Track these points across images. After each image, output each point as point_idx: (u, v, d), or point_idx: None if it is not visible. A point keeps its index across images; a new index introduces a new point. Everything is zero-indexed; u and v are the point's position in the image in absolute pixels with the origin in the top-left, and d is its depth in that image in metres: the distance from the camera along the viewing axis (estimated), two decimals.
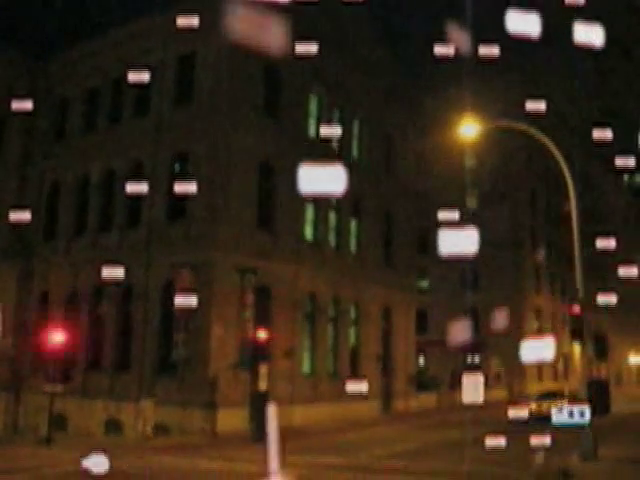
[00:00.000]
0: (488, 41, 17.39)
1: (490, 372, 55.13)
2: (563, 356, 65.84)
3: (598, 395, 18.44)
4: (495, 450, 19.35)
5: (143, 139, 30.45)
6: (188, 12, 24.98)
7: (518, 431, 22.01)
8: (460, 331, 39.64)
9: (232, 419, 25.61)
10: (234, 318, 26.83)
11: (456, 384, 44.08)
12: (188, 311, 25.87)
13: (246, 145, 28.72)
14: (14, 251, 33.95)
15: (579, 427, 17.60)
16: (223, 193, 27.55)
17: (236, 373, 26.23)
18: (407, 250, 41.49)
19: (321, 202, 32.67)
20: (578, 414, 16.97)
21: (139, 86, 30.60)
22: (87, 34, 34.33)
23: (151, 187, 28.59)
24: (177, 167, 29.32)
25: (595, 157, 73.88)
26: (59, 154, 34.61)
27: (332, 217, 34.33)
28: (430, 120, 55.02)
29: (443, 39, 18.85)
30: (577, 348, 39.84)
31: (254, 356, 25.27)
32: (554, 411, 17.47)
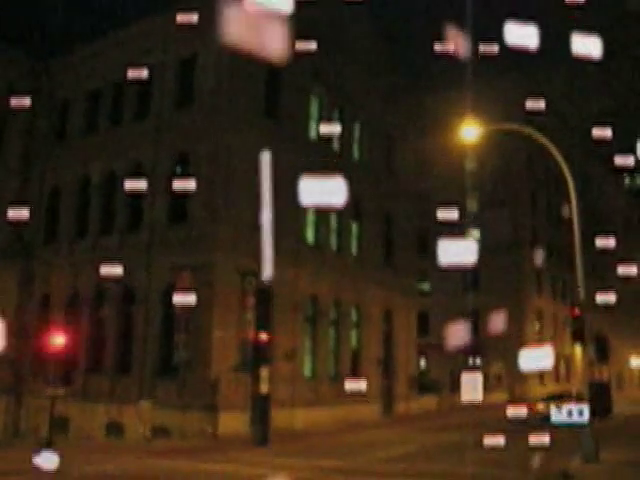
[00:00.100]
0: (488, 40, 17.41)
1: (491, 374, 55.09)
2: (564, 358, 65.78)
3: (599, 397, 18.43)
4: (496, 452, 19.33)
5: (144, 140, 30.46)
6: (188, 14, 25.01)
7: (518, 431, 22.01)
8: (458, 334, 39.61)
9: (233, 422, 25.58)
10: (235, 321, 26.81)
11: (457, 386, 44.09)
12: (188, 311, 25.86)
13: (247, 146, 28.70)
14: (15, 253, 33.95)
15: (579, 427, 17.58)
16: (224, 194, 27.54)
17: (237, 376, 26.21)
18: (408, 252, 41.47)
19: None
20: (577, 413, 16.96)
21: (140, 87, 30.67)
22: (88, 35, 34.39)
23: (152, 188, 28.62)
24: (178, 168, 29.31)
25: (596, 157, 73.86)
26: (60, 155, 34.62)
27: (333, 219, 34.31)
28: (431, 121, 55.05)
29: (444, 39, 18.86)
30: (578, 350, 39.80)
31: (255, 358, 25.27)
32: (553, 411, 17.49)
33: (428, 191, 58.14)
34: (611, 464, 17.26)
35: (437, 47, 18.70)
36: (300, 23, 22.96)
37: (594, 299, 48.04)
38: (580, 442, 17.72)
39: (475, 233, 60.01)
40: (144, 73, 27.82)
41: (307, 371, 31.42)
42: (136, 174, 29.53)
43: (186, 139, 28.87)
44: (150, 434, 25.35)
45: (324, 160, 33.38)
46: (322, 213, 33.21)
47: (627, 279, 61.43)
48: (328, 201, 6.44)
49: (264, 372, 23.99)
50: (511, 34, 9.74)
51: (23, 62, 36.12)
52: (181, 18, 24.63)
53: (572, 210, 20.02)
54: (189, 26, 24.46)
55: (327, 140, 34.35)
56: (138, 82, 29.75)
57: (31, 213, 31.20)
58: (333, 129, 33.65)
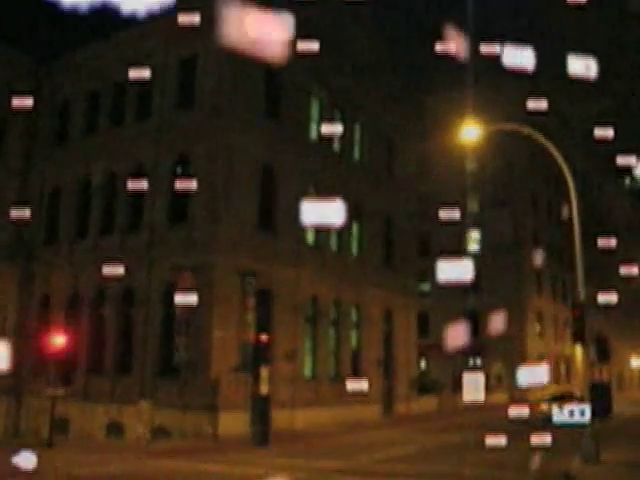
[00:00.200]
0: (489, 40, 17.39)
1: (491, 375, 55.10)
2: (565, 359, 65.79)
3: (600, 398, 18.44)
4: (497, 452, 19.33)
5: (144, 141, 30.47)
6: (189, 14, 24.99)
7: (520, 431, 21.99)
8: (458, 335, 39.65)
9: (233, 422, 25.58)
10: (235, 321, 26.81)
11: (457, 387, 44.11)
12: (189, 311, 25.88)
13: (247, 148, 28.73)
14: (15, 253, 33.96)
15: (580, 427, 17.58)
16: (224, 196, 27.55)
17: (237, 376, 26.21)
18: (408, 253, 41.47)
19: None
20: (579, 413, 17.00)
21: (140, 88, 30.68)
22: (89, 36, 34.38)
23: (152, 189, 28.64)
24: (178, 169, 29.32)
25: (596, 158, 73.85)
26: (60, 156, 34.65)
27: None
28: (431, 122, 55.09)
29: (444, 40, 18.86)
30: (579, 351, 39.74)
31: (255, 359, 25.26)
32: (555, 411, 17.51)
33: (428, 192, 58.17)
34: (612, 465, 17.27)
35: (438, 47, 18.69)
36: (301, 25, 23.00)
37: (595, 300, 48.05)
38: (580, 443, 17.73)
39: (475, 234, 60.04)
40: (145, 73, 27.80)
41: (307, 372, 31.42)
42: (137, 174, 29.55)
43: (186, 140, 28.88)
44: (150, 434, 25.36)
45: (324, 161, 33.45)
46: None
47: (627, 280, 61.47)
48: (327, 222, 6.64)
49: (264, 372, 24.00)
50: (508, 57, 9.84)
51: (24, 62, 36.15)
52: (182, 19, 24.62)
53: (572, 210, 20.02)
54: (190, 27, 24.43)
55: (328, 141, 34.36)
56: (139, 82, 29.75)
57: (32, 213, 31.27)
58: (335, 129, 33.66)
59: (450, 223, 53.95)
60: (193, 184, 26.50)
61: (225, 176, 27.70)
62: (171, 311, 27.10)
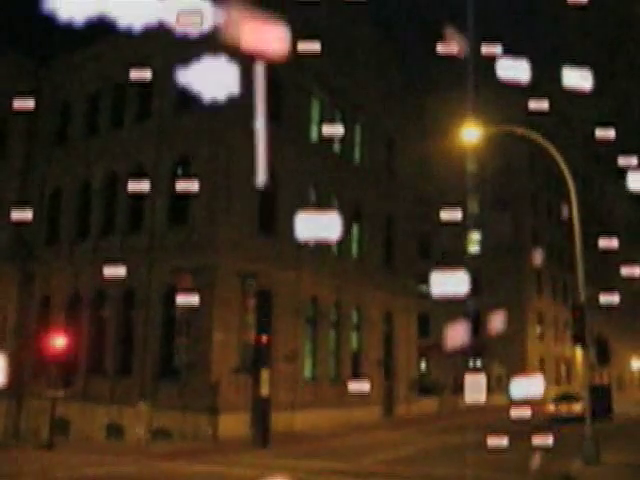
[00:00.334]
0: (490, 40, 17.43)
1: (492, 376, 55.05)
2: (565, 361, 65.77)
3: (600, 400, 18.44)
4: (497, 454, 19.32)
5: (145, 143, 30.47)
6: (190, 16, 24.98)
7: (521, 432, 22.00)
8: (457, 334, 39.61)
9: (234, 424, 25.57)
10: (235, 322, 26.79)
11: (458, 388, 44.11)
12: (189, 312, 25.87)
13: (248, 150, 28.70)
14: (16, 254, 33.95)
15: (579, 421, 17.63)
16: (225, 198, 27.55)
17: (237, 378, 26.20)
18: (408, 254, 41.46)
19: (323, 207, 32.62)
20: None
21: (141, 89, 30.68)
22: (90, 37, 34.36)
23: (153, 191, 28.63)
24: (179, 171, 29.31)
25: (597, 159, 73.82)
26: (61, 157, 34.65)
27: None
28: (431, 123, 55.10)
29: (444, 41, 18.90)
30: (579, 352, 39.80)
31: (255, 360, 25.27)
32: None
33: (429, 193, 58.19)
34: (612, 466, 17.25)
35: (438, 48, 18.72)
36: (302, 27, 23.03)
37: (596, 301, 48.04)
38: (581, 444, 17.72)
39: (476, 235, 60.02)
40: (145, 75, 27.82)
41: (307, 373, 31.41)
42: (137, 175, 29.54)
43: (187, 141, 28.87)
44: (150, 436, 25.35)
45: (324, 162, 33.45)
46: None
47: (628, 282, 61.41)
48: (323, 236, 6.65)
49: (264, 374, 23.99)
50: (503, 69, 9.85)
51: (24, 64, 36.16)
52: (182, 21, 24.62)
53: (572, 211, 20.00)
54: (190, 28, 24.40)
55: (328, 142, 34.35)
56: (139, 83, 29.75)
57: (32, 214, 31.26)
58: (336, 130, 33.65)
59: (450, 224, 53.96)
60: (193, 185, 26.49)
61: (225, 178, 27.69)
62: (171, 312, 27.10)
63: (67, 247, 33.01)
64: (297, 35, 20.69)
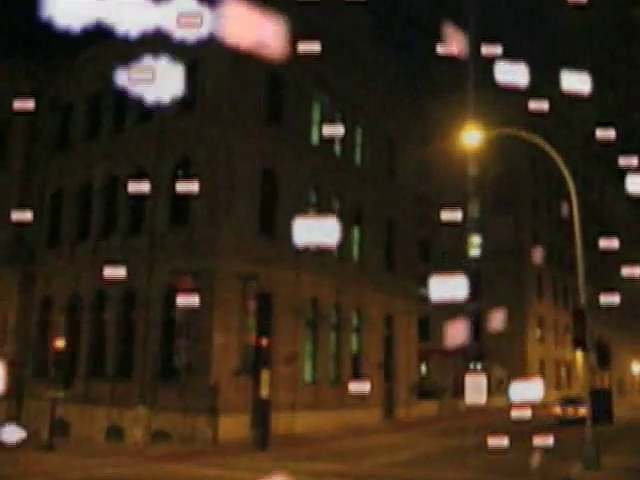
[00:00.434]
0: (490, 40, 17.40)
1: (492, 379, 54.99)
2: (566, 364, 65.70)
3: (601, 404, 18.43)
4: (498, 455, 19.29)
5: (146, 144, 30.48)
6: (190, 18, 25.01)
7: (521, 432, 21.97)
8: (457, 332, 39.56)
9: (234, 426, 25.55)
10: (236, 324, 26.78)
11: (458, 391, 44.05)
12: (189, 314, 25.85)
13: (248, 152, 28.75)
14: (16, 255, 33.96)
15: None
16: (225, 199, 27.55)
17: (238, 380, 26.18)
18: (409, 256, 41.42)
19: (323, 209, 32.64)
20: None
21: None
22: (90, 40, 34.38)
23: (153, 193, 28.63)
24: (179, 172, 29.32)
25: (598, 160, 73.78)
26: (62, 159, 34.67)
27: None
28: (432, 125, 55.07)
29: (445, 42, 18.87)
30: (579, 356, 39.87)
31: (256, 362, 25.25)
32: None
33: (429, 195, 58.15)
34: (612, 470, 17.24)
35: (438, 48, 18.70)
36: (301, 26, 23.01)
37: (596, 302, 47.96)
38: (581, 448, 17.70)
39: (476, 238, 60.00)
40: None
41: (308, 375, 31.38)
42: (138, 177, 29.53)
43: (188, 143, 28.89)
44: (149, 438, 25.32)
45: (325, 164, 33.46)
46: None
47: (629, 285, 61.32)
48: (321, 241, 6.63)
49: (265, 376, 23.99)
50: (501, 72, 9.84)
51: (26, 66, 36.20)
52: (183, 23, 24.66)
53: (574, 214, 19.99)
54: (191, 31, 24.45)
55: (329, 144, 34.36)
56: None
57: (33, 215, 31.22)
58: (336, 131, 33.64)
59: (451, 225, 53.85)
60: (194, 187, 26.48)
61: (226, 180, 27.71)
62: (172, 314, 27.09)
63: (68, 248, 33.02)
64: (297, 36, 20.67)
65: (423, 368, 55.66)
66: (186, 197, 27.52)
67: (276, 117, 30.87)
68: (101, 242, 31.57)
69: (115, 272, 27.44)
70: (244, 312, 27.06)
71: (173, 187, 27.87)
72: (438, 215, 52.65)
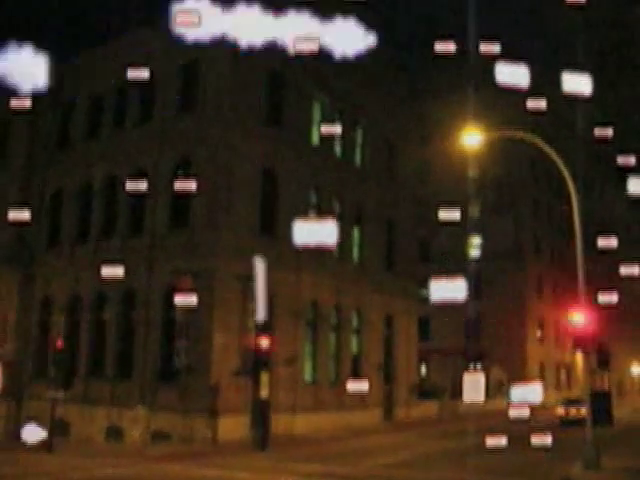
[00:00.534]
0: (489, 39, 17.42)
1: (492, 380, 54.98)
2: (565, 365, 65.68)
3: (601, 406, 18.44)
4: (497, 456, 19.29)
5: (146, 146, 30.47)
6: (190, 18, 24.98)
7: (520, 432, 21.96)
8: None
9: (233, 426, 25.54)
10: (236, 325, 26.79)
11: (458, 392, 44.03)
12: (189, 314, 25.84)
13: (249, 152, 28.74)
14: (16, 256, 33.94)
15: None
16: (225, 200, 27.55)
17: (237, 380, 26.17)
18: (409, 257, 41.41)
19: (323, 210, 32.63)
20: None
21: (142, 92, 30.70)
22: (91, 40, 34.44)
23: (153, 193, 28.64)
24: (179, 173, 29.31)
25: (598, 161, 73.73)
26: (62, 159, 34.64)
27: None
28: (432, 126, 55.08)
29: (445, 42, 18.89)
30: (579, 358, 39.89)
31: (255, 363, 25.22)
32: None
33: (429, 196, 58.08)
34: (611, 471, 17.23)
35: (438, 48, 18.72)
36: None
37: (596, 302, 47.90)
38: (581, 448, 17.70)
39: (477, 239, 59.97)
40: (147, 77, 27.84)
41: (307, 376, 31.37)
42: (138, 178, 29.53)
43: (188, 143, 28.88)
44: (149, 438, 25.30)
45: (325, 165, 33.46)
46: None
47: (628, 287, 61.29)
48: (321, 242, 6.68)
49: (264, 377, 23.97)
50: (502, 74, 9.85)
51: None
52: (183, 23, 24.64)
53: (574, 215, 19.98)
54: (191, 31, 24.41)
55: (329, 145, 34.36)
56: (141, 86, 29.77)
57: (33, 216, 31.23)
58: (334, 130, 33.61)
59: (450, 224, 53.75)
60: (194, 187, 26.50)
61: (226, 181, 27.71)
62: (172, 314, 27.08)
63: (68, 248, 33.00)
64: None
65: (423, 368, 55.69)
66: (186, 197, 27.53)
67: (276, 117, 30.86)
68: (101, 242, 31.55)
69: (115, 272, 27.47)
70: (244, 313, 27.04)
71: (173, 187, 27.89)
72: (438, 215, 52.61)
